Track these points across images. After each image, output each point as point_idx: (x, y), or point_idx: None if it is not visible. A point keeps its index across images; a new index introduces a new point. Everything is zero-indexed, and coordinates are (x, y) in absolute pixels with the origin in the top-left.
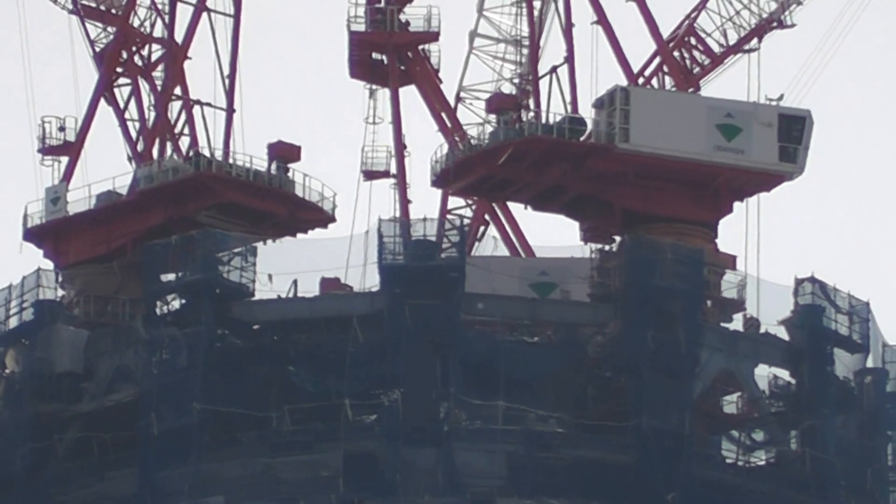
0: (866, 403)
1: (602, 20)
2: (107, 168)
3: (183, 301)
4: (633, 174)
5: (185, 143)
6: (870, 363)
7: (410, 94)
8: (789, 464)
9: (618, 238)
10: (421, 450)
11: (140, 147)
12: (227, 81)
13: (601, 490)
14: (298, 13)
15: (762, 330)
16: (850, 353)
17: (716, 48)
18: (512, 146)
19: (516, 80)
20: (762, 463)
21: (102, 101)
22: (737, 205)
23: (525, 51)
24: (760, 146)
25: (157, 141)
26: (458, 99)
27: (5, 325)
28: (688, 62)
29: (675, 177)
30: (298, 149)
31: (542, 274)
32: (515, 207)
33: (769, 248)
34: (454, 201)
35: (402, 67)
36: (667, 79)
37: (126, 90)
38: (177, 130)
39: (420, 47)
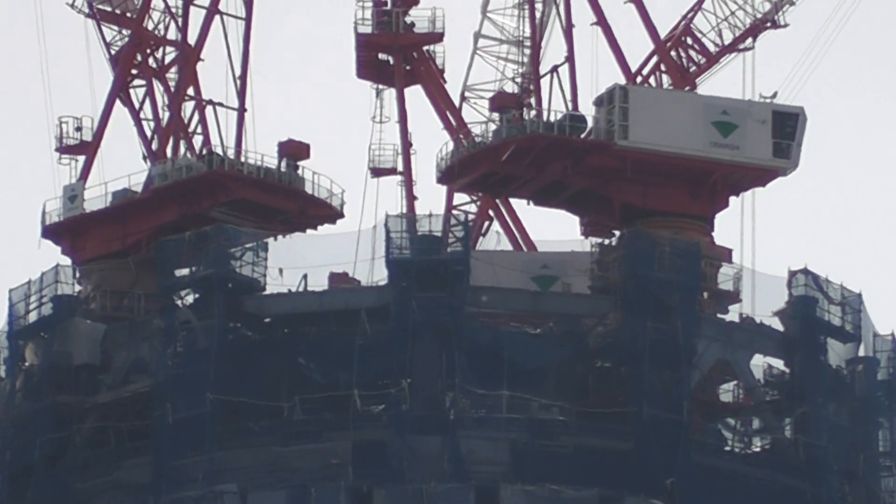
0: (858, 391)
1: (601, 21)
2: (122, 166)
3: (196, 295)
4: (632, 170)
5: (198, 141)
6: (861, 352)
7: (416, 94)
8: (784, 450)
9: (617, 232)
10: (427, 438)
11: (154, 146)
12: (238, 82)
13: (602, 476)
14: (307, 16)
15: (757, 321)
16: (843, 342)
17: (711, 48)
18: (514, 143)
19: (519, 80)
20: (757, 449)
21: (118, 102)
22: (732, 199)
23: (527, 51)
24: (755, 142)
25: (171, 140)
26: (463, 98)
27: (25, 319)
28: (684, 61)
29: (673, 172)
30: (308, 147)
31: (543, 267)
32: (518, 203)
33: (764, 241)
34: (459, 197)
35: (408, 68)
36: (664, 77)
37: (141, 91)
38: (190, 130)
39: (425, 48)
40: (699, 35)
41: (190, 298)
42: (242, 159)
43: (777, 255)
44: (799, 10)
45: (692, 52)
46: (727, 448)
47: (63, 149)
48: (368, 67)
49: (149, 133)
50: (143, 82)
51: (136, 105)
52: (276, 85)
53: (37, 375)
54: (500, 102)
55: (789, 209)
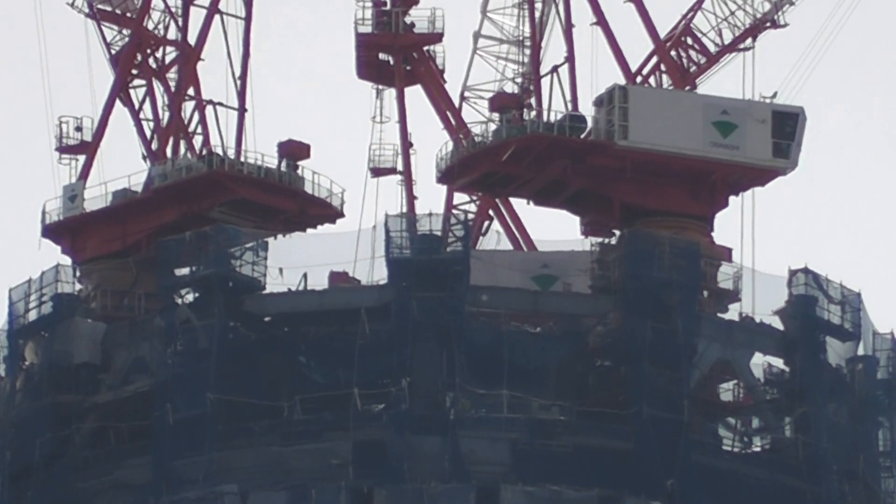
0: (858, 390)
1: (601, 21)
2: (122, 166)
3: (197, 295)
4: (632, 170)
5: (198, 141)
6: (861, 351)
7: (416, 94)
8: (784, 450)
9: (617, 232)
10: (427, 438)
11: (154, 146)
12: (238, 82)
13: (602, 476)
14: (307, 16)
15: (757, 320)
16: (842, 341)
17: (711, 47)
18: (514, 143)
19: (519, 80)
20: (757, 449)
21: (118, 102)
22: (732, 199)
23: (527, 51)
24: (755, 142)
25: (171, 140)
26: (463, 98)
27: (25, 318)
28: (684, 61)
29: (673, 172)
30: (308, 147)
31: (543, 267)
32: (518, 203)
33: (764, 241)
34: (459, 197)
35: (408, 68)
36: (664, 77)
37: (141, 91)
38: (190, 130)
39: (425, 48)
40: (699, 35)
41: (190, 298)
42: (242, 159)
43: (777, 254)
44: (799, 10)
45: (692, 52)
46: (727, 448)
47: (63, 149)
48: (368, 67)
49: (149, 133)
50: (143, 82)
51: (136, 105)
52: (276, 85)
53: (37, 375)
54: (500, 102)
55: (789, 209)
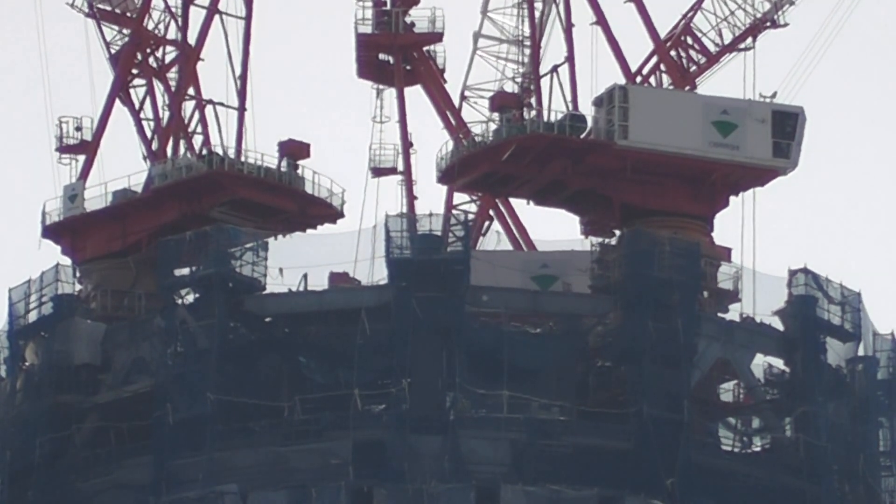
0: (858, 391)
1: (601, 21)
2: (122, 166)
3: (197, 295)
4: (632, 170)
5: (198, 141)
6: (861, 351)
7: (416, 94)
8: (784, 450)
9: (617, 232)
10: (428, 438)
11: (154, 146)
12: (238, 82)
13: (602, 476)
14: (307, 16)
15: (757, 320)
16: (842, 341)
17: (711, 47)
18: (514, 143)
19: (519, 80)
20: (758, 449)
21: (118, 102)
22: (732, 199)
23: (527, 51)
24: (755, 142)
25: (171, 140)
26: (463, 98)
27: (25, 318)
28: (684, 61)
29: (673, 172)
30: (308, 146)
31: (543, 267)
32: (518, 203)
33: (763, 241)
34: (459, 197)
35: (408, 67)
36: (664, 77)
37: (141, 91)
38: (190, 129)
39: (425, 48)
40: (699, 34)
41: (190, 298)
42: (242, 159)
43: (777, 254)
44: (799, 10)
45: (692, 52)
46: (727, 448)
47: (63, 148)
48: (368, 67)
49: (149, 133)
50: (143, 82)
51: (136, 105)
52: (276, 84)
53: (37, 375)
54: (500, 102)
55: (789, 209)
